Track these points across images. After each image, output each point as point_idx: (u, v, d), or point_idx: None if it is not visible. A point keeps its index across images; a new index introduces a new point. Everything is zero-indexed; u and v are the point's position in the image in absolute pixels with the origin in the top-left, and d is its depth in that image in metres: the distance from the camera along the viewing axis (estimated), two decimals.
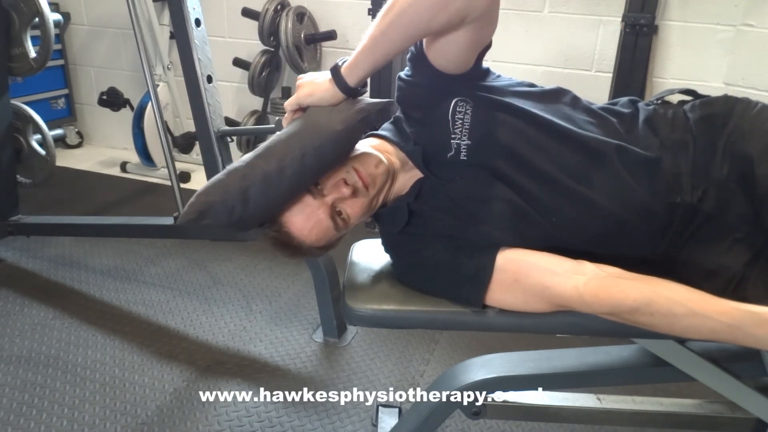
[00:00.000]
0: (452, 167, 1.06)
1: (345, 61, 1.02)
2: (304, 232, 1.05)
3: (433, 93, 1.07)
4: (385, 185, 1.08)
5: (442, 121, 1.05)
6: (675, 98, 1.12)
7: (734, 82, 2.45)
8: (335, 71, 1.02)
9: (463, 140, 1.04)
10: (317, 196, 1.05)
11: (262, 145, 1.03)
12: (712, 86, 2.50)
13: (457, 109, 1.04)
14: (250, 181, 0.98)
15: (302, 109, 1.07)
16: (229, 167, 1.02)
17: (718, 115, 1.03)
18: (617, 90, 2.56)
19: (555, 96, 1.12)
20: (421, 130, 1.10)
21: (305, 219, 1.05)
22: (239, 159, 1.03)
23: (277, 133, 1.05)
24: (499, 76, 1.13)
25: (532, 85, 1.14)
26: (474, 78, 1.08)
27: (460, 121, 1.04)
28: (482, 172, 1.05)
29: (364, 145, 1.10)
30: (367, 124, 1.07)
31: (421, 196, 1.09)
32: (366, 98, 1.07)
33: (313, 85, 1.04)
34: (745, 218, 0.98)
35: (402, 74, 1.12)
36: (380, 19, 0.95)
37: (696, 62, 2.53)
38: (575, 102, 1.11)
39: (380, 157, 1.06)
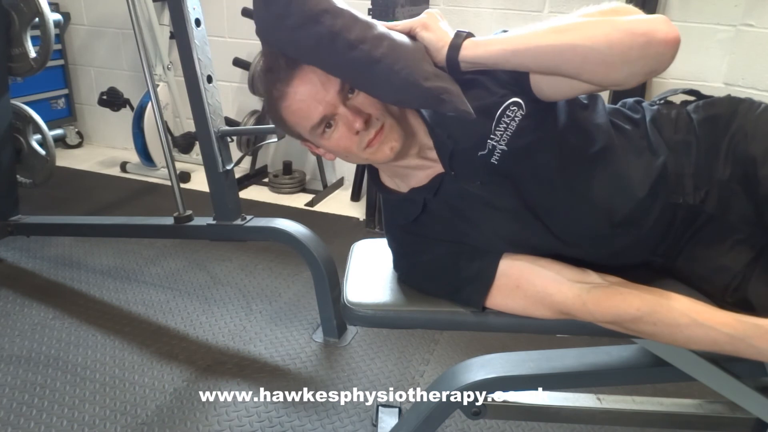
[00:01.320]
0: (478, 168, 1.00)
1: (472, 36, 0.93)
2: (295, 96, 0.94)
3: (497, 86, 0.99)
4: (377, 162, 1.03)
5: (489, 116, 0.97)
6: (678, 98, 1.12)
7: (734, 82, 2.45)
8: (458, 38, 0.92)
9: (500, 144, 0.98)
10: (341, 94, 0.94)
11: (365, 17, 0.92)
12: (713, 86, 2.50)
13: (508, 112, 0.97)
14: (325, 21, 0.87)
15: (411, 35, 0.96)
16: None
17: (722, 116, 1.02)
18: (617, 90, 2.55)
19: (590, 108, 1.06)
20: (461, 119, 0.97)
21: (310, 91, 0.94)
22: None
23: (387, 29, 0.94)
24: None
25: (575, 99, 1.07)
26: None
27: (505, 125, 0.98)
28: (505, 181, 1.00)
29: (404, 118, 1.02)
30: (437, 107, 0.94)
31: (437, 193, 1.05)
32: (460, 90, 0.93)
33: (435, 25, 0.94)
34: (747, 219, 0.98)
35: None
36: (546, 33, 0.87)
37: (696, 62, 2.53)
38: (602, 113, 1.07)
39: (401, 145, 0.98)
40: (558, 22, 0.88)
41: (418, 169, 1.06)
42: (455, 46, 0.92)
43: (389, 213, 1.14)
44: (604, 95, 2.59)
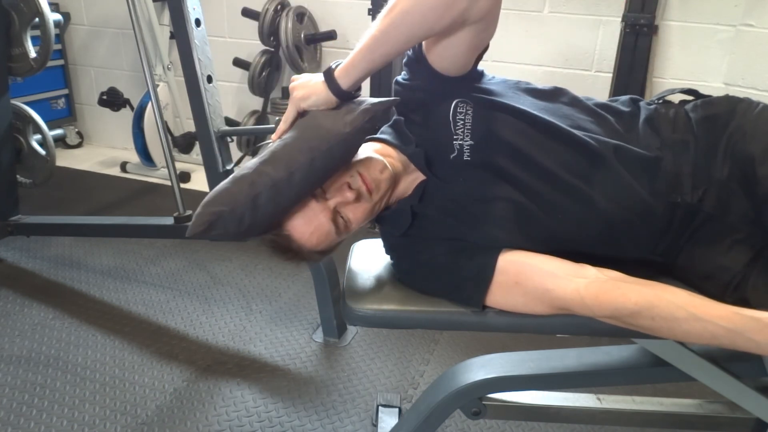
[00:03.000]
0: (455, 168, 1.06)
1: (339, 64, 1.00)
2: (305, 236, 1.04)
3: (432, 95, 1.07)
4: (388, 190, 1.08)
5: (444, 122, 1.04)
6: (676, 98, 1.12)
7: (734, 82, 2.45)
8: (328, 75, 1.00)
9: (466, 140, 1.04)
10: (320, 200, 1.03)
11: (268, 151, 1.01)
12: (712, 86, 2.50)
13: (458, 110, 1.04)
14: (260, 189, 0.96)
15: (301, 114, 1.06)
16: (234, 175, 1.00)
17: (720, 115, 1.02)
18: (617, 90, 2.56)
19: (553, 95, 1.12)
20: (422, 133, 1.09)
21: (306, 223, 1.03)
22: (244, 166, 1.01)
23: (281, 137, 1.04)
24: (493, 78, 1.13)
25: (529, 85, 1.14)
26: (471, 80, 1.08)
27: (462, 122, 1.04)
28: (485, 173, 1.05)
29: (367, 150, 1.09)
30: (375, 125, 1.05)
31: (424, 198, 1.09)
32: (369, 98, 1.05)
33: (308, 88, 1.03)
34: (745, 218, 0.98)
35: (399, 78, 1.12)
36: (381, 20, 0.93)
37: (696, 62, 2.53)
38: (574, 101, 1.11)
39: (385, 162, 1.05)
40: (386, 6, 0.93)
41: (410, 185, 1.11)
42: (333, 84, 1.00)
43: (384, 229, 1.17)
44: (603, 98, 2.59)
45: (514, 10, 2.72)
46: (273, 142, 1.04)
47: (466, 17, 0.91)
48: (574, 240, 1.04)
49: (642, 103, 1.11)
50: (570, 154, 1.02)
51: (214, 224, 0.97)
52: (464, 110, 1.04)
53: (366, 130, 1.03)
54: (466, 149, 1.04)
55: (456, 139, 1.04)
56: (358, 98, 1.05)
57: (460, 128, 1.04)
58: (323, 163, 0.99)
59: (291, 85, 1.06)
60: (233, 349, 1.95)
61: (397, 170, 1.08)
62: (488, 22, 0.95)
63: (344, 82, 0.99)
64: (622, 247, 1.05)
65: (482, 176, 1.05)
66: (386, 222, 1.15)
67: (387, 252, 1.18)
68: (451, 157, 1.05)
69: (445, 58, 1.02)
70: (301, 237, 1.04)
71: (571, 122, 1.05)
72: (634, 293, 0.93)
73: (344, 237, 1.10)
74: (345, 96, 1.01)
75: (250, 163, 1.01)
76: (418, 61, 1.06)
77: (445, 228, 1.08)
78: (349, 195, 1.02)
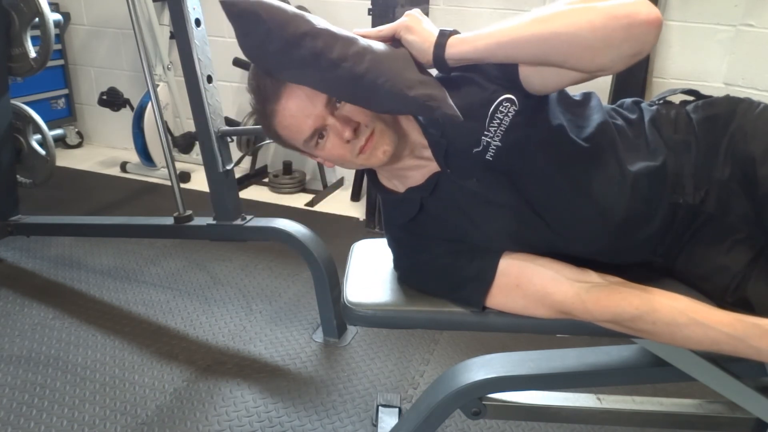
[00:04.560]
0: (473, 165, 1.01)
1: (457, 33, 0.93)
2: (286, 112, 0.97)
3: (489, 82, 1.00)
4: (368, 166, 1.04)
5: (482, 113, 0.99)
6: (677, 98, 1.12)
7: (734, 82, 2.45)
8: (443, 37, 0.93)
9: (495, 140, 0.99)
10: (328, 106, 0.96)
11: (343, 32, 0.93)
12: (712, 86, 2.50)
13: (501, 108, 0.98)
14: (306, 43, 0.89)
15: (394, 38, 0.98)
16: (303, 13, 0.92)
17: (721, 116, 1.02)
18: (617, 90, 2.56)
19: (582, 106, 1.08)
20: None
21: (298, 107, 0.96)
22: (317, 18, 0.93)
23: (367, 39, 0.95)
24: None
25: (562, 92, 1.08)
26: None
27: (498, 121, 0.99)
28: (501, 178, 1.01)
29: (393, 121, 1.02)
30: (426, 114, 0.99)
31: (434, 191, 1.06)
32: (447, 93, 0.95)
33: (419, 27, 0.95)
34: (746, 219, 0.98)
35: None
36: (531, 23, 0.87)
37: (696, 62, 2.53)
38: (598, 110, 1.07)
39: (394, 147, 1.00)
40: (541, 12, 0.88)
41: (415, 169, 1.07)
42: (440, 44, 0.93)
43: (388, 213, 1.15)
44: (603, 97, 2.59)
45: (514, 10, 2.72)
46: (354, 35, 0.95)
47: (600, 71, 0.88)
48: (575, 248, 1.04)
49: (644, 105, 1.11)
50: (586, 175, 1.00)
51: (248, 20, 0.89)
52: (506, 110, 0.98)
53: (417, 110, 0.96)
54: (492, 149, 1.00)
55: (486, 136, 0.99)
56: (442, 80, 0.97)
57: (495, 126, 0.99)
58: (366, 88, 0.91)
59: (409, 12, 0.97)
60: (233, 349, 1.95)
61: (401, 149, 1.03)
62: (605, 76, 0.92)
63: (452, 53, 0.93)
64: (623, 249, 1.05)
65: (497, 180, 1.02)
66: (391, 209, 1.13)
67: (389, 243, 1.16)
68: (474, 151, 1.00)
69: (540, 78, 0.96)
70: (283, 110, 0.97)
71: (593, 141, 1.01)
72: (636, 298, 0.93)
73: (304, 151, 1.03)
74: (440, 65, 0.94)
75: (322, 21, 0.93)
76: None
77: (449, 225, 1.07)
78: (348, 133, 0.96)
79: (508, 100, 0.98)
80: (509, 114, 0.98)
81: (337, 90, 0.94)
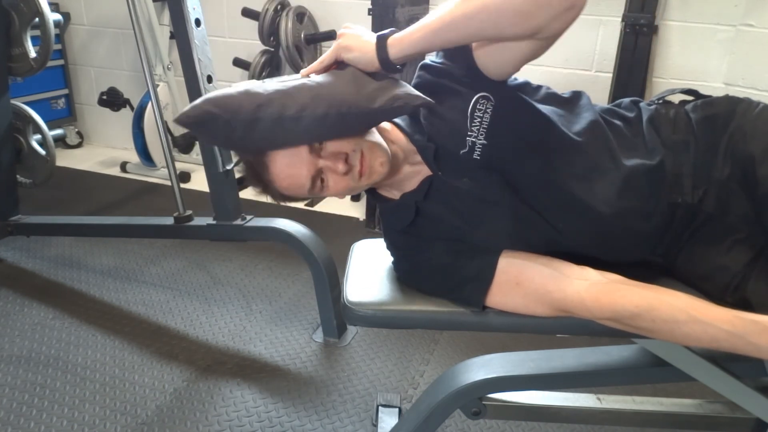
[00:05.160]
0: (463, 165, 1.03)
1: (394, 32, 0.96)
2: (280, 175, 1.00)
3: (459, 85, 1.04)
4: (378, 181, 1.05)
5: (461, 115, 1.02)
6: (676, 98, 1.12)
7: (734, 82, 2.45)
8: (381, 40, 0.96)
9: (479, 139, 1.02)
10: (313, 153, 0.99)
11: (290, 83, 0.97)
12: (712, 86, 2.50)
13: (478, 106, 1.01)
14: (263, 115, 0.92)
15: (339, 62, 1.01)
16: (248, 87, 0.95)
17: (720, 116, 1.02)
18: (617, 90, 2.56)
19: (571, 103, 1.10)
20: (437, 123, 1.06)
21: (288, 165, 0.99)
22: (260, 83, 0.97)
23: (312, 77, 0.99)
24: (516, 80, 1.10)
25: (550, 90, 1.11)
26: (501, 84, 1.05)
27: (479, 119, 1.01)
28: (491, 174, 1.03)
29: (377, 133, 1.05)
30: (399, 115, 1.02)
31: (428, 194, 1.07)
32: (407, 85, 1.00)
33: (356, 40, 0.98)
34: (745, 218, 0.98)
35: (430, 60, 1.09)
36: (456, 6, 0.90)
37: (696, 62, 2.53)
38: (588, 108, 1.09)
39: (388, 156, 1.02)
40: None
41: (411, 177, 1.09)
42: (382, 48, 0.96)
43: (386, 220, 1.16)
44: (603, 97, 2.59)
45: None
46: (299, 78, 1.00)
47: (539, 32, 0.89)
48: (574, 244, 1.04)
49: (643, 105, 1.11)
50: (576, 161, 1.01)
51: (205, 123, 0.93)
52: (484, 107, 1.02)
53: (389, 115, 1.00)
54: (478, 147, 1.02)
55: (470, 136, 1.02)
56: (398, 77, 1.00)
57: (476, 125, 1.02)
58: (335, 123, 0.94)
59: (341, 31, 1.01)
60: (233, 349, 1.95)
61: (397, 159, 1.06)
62: (553, 40, 0.93)
63: (394, 52, 0.95)
64: (622, 249, 1.05)
65: (488, 177, 1.03)
66: (388, 214, 1.14)
67: (388, 248, 1.17)
68: (461, 152, 1.03)
69: (493, 60, 1.00)
70: (277, 174, 1.00)
71: (586, 137, 1.03)
72: (635, 295, 0.93)
73: (313, 196, 1.06)
74: (389, 67, 0.97)
75: (269, 83, 0.96)
76: (461, 52, 1.02)
77: (447, 227, 1.07)
78: (341, 167, 0.98)
79: (483, 97, 1.01)
80: (488, 111, 1.01)
81: (311, 137, 0.97)
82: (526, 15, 0.86)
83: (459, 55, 1.03)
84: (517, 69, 1.02)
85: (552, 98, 1.09)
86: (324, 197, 1.08)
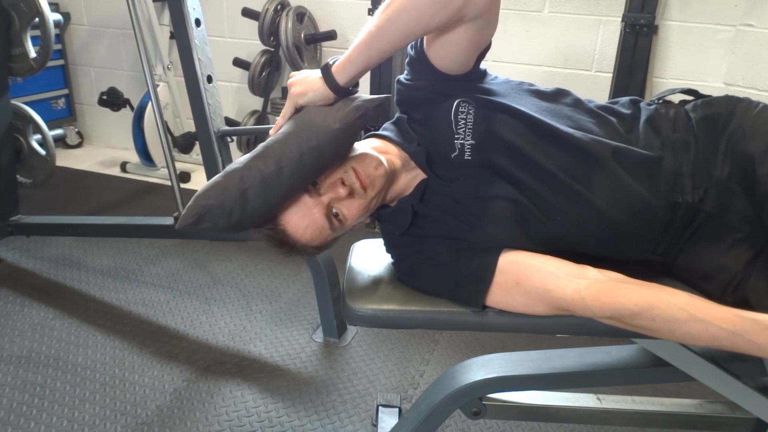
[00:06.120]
0: (456, 167, 1.06)
1: (336, 60, 1.01)
2: (299, 231, 1.04)
3: (434, 94, 1.07)
4: (384, 187, 1.07)
5: (445, 121, 1.05)
6: (676, 98, 1.12)
7: (734, 82, 2.45)
8: (325, 70, 1.01)
9: (467, 140, 1.04)
10: (314, 195, 1.03)
11: (260, 146, 1.02)
12: (712, 86, 2.50)
13: (460, 110, 1.04)
14: (248, 183, 0.97)
15: (298, 109, 1.06)
16: (226, 169, 1.01)
17: (720, 115, 1.03)
18: (617, 90, 2.56)
19: (555, 97, 1.12)
20: (424, 131, 1.09)
21: (300, 218, 1.03)
22: (237, 160, 1.02)
23: (281, 130, 1.04)
24: (496, 78, 1.13)
25: (532, 86, 1.14)
26: (473, 79, 1.09)
27: (463, 121, 1.04)
28: (486, 172, 1.05)
29: (365, 146, 1.09)
30: (366, 121, 1.05)
31: (425, 197, 1.09)
32: (362, 95, 1.06)
33: (305, 84, 1.03)
34: (746, 218, 0.98)
35: (401, 78, 1.12)
36: (378, 16, 0.94)
37: (696, 62, 2.53)
38: (576, 103, 1.11)
39: (380, 159, 1.05)
40: (383, 2, 0.95)
41: (409, 184, 1.11)
42: (329, 79, 1.00)
43: (384, 226, 1.17)
44: (603, 97, 2.59)
45: (514, 10, 2.72)
46: (270, 137, 1.04)
47: (463, 14, 0.92)
48: (574, 241, 1.04)
49: (642, 104, 1.11)
50: (569, 156, 1.02)
51: (203, 217, 0.97)
52: (466, 110, 1.04)
53: (357, 127, 1.03)
54: (467, 148, 1.04)
55: (457, 139, 1.04)
56: (354, 95, 1.05)
57: (462, 128, 1.04)
58: (312, 158, 0.98)
59: (289, 81, 1.06)
60: (233, 349, 1.95)
61: (395, 167, 1.08)
62: (487, 19, 0.95)
63: (341, 77, 1.00)
64: (623, 248, 1.05)
65: (482, 175, 1.05)
66: (387, 220, 1.15)
67: (387, 250, 1.18)
68: (452, 156, 1.05)
69: (445, 56, 1.02)
70: (296, 232, 1.04)
71: (573, 123, 1.05)
72: (635, 294, 0.93)
73: (341, 233, 1.09)
74: (342, 92, 1.02)
75: (242, 158, 1.01)
76: (419, 60, 1.06)
77: (446, 227, 1.08)
78: (342, 191, 1.02)
79: (462, 101, 1.05)
80: (470, 112, 1.04)
81: (301, 181, 1.00)
82: (441, 2, 0.89)
83: (419, 65, 1.07)
84: (473, 56, 1.04)
85: (533, 92, 1.12)
86: (351, 229, 1.11)
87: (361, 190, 1.03)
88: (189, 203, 0.99)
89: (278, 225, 1.04)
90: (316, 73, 1.03)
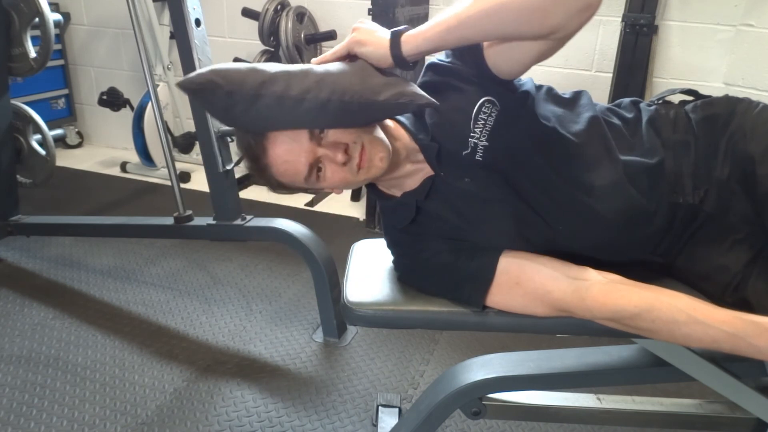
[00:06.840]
0: (465, 166, 1.04)
1: (408, 29, 0.96)
2: (278, 160, 0.99)
3: (467, 84, 1.04)
4: (376, 178, 1.05)
5: (465, 117, 1.02)
6: (676, 98, 1.12)
7: (734, 82, 2.45)
8: (395, 37, 0.95)
9: (482, 140, 1.02)
10: (313, 140, 0.98)
11: (296, 66, 0.96)
12: (712, 86, 2.50)
13: (483, 109, 1.02)
14: (266, 91, 0.92)
15: (351, 55, 1.00)
16: (254, 65, 0.95)
17: (720, 116, 1.02)
18: (617, 90, 2.56)
19: (571, 104, 1.10)
20: (440, 122, 1.06)
21: (287, 151, 0.98)
22: (269, 63, 0.96)
23: (319, 65, 0.99)
24: (521, 81, 1.10)
25: (552, 91, 1.11)
26: (507, 84, 1.06)
27: (483, 122, 1.02)
28: (493, 175, 1.03)
29: (379, 129, 1.04)
30: (404, 112, 1.02)
31: (430, 194, 1.07)
32: (414, 85, 1.00)
33: (370, 35, 0.98)
34: (746, 218, 0.98)
35: (438, 60, 1.09)
36: (473, 4, 0.90)
37: (696, 62, 2.53)
38: (589, 107, 1.09)
39: (389, 152, 1.01)
40: None
41: (412, 175, 1.09)
42: (396, 45, 0.95)
43: (387, 218, 1.16)
44: (603, 97, 2.59)
45: None
46: (309, 65, 0.99)
47: (554, 32, 0.89)
48: (574, 246, 1.04)
49: (642, 105, 1.11)
50: (577, 169, 1.01)
51: (206, 90, 0.93)
52: (489, 111, 1.02)
53: (393, 111, 1.00)
54: (480, 149, 1.02)
55: (472, 137, 1.02)
56: (408, 76, 1.00)
57: (480, 127, 1.02)
58: (337, 110, 0.93)
59: (356, 25, 1.00)
60: (233, 349, 1.95)
61: (398, 156, 1.05)
62: (564, 41, 0.93)
63: (408, 49, 0.95)
64: (623, 249, 1.05)
65: (489, 178, 1.03)
66: (389, 213, 1.14)
67: (388, 246, 1.17)
68: (464, 153, 1.03)
69: (505, 59, 1.00)
70: (275, 158, 0.99)
71: (585, 135, 1.03)
72: (635, 295, 0.93)
73: (309, 187, 1.05)
74: (402, 63, 0.97)
75: (275, 65, 0.96)
76: (472, 51, 1.02)
77: (448, 227, 1.07)
78: (341, 157, 0.97)
79: (488, 101, 1.02)
80: (492, 114, 1.02)
81: (312, 121, 0.96)
82: (545, 13, 0.86)
83: (469, 54, 1.03)
84: (527, 69, 1.01)
85: (553, 98, 1.10)
86: (320, 190, 1.06)
87: (355, 168, 0.99)
88: (202, 70, 0.94)
89: (264, 141, 0.99)
90: (384, 31, 0.98)
